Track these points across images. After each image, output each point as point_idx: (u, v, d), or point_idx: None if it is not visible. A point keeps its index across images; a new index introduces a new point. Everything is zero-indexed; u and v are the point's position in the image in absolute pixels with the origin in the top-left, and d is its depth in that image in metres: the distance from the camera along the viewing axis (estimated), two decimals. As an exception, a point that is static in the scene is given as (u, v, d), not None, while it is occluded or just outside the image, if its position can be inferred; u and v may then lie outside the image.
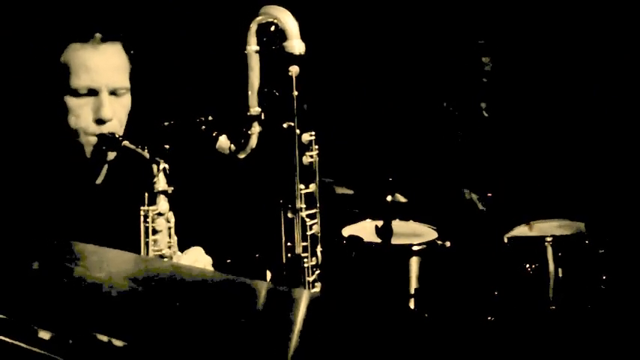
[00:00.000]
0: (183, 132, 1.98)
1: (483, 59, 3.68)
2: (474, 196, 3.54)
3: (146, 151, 1.95)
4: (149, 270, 1.55)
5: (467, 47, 3.73)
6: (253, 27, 1.87)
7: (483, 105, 3.65)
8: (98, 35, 2.03)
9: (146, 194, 1.96)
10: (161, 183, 1.95)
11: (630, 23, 3.55)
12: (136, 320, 1.28)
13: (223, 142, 1.92)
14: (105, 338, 1.19)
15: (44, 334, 1.22)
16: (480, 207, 3.53)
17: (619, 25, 3.57)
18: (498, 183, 3.54)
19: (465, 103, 3.65)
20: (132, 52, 2.10)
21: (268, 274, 2.29)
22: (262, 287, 1.46)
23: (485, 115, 3.62)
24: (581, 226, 3.29)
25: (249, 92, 1.88)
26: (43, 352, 1.21)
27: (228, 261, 2.40)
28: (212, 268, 2.07)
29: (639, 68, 3.55)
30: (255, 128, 1.88)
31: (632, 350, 2.90)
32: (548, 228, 3.32)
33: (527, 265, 3.15)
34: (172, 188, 1.96)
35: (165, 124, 2.01)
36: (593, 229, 3.23)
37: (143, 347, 1.19)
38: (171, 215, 1.98)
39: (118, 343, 1.18)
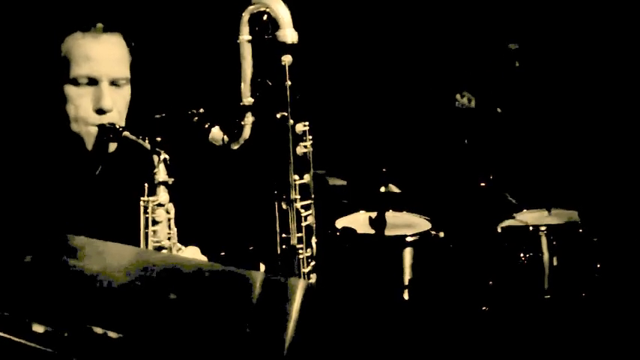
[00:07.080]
0: (175, 124, 1.96)
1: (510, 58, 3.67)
2: (465, 100, 3.51)
3: (147, 141, 1.94)
4: (144, 262, 1.54)
5: (464, 41, 3.73)
6: (245, 16, 1.85)
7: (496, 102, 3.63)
8: (100, 25, 2.01)
9: (146, 185, 1.94)
10: (161, 174, 1.94)
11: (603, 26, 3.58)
12: (132, 312, 1.27)
13: (216, 133, 1.90)
14: (100, 330, 1.17)
15: (38, 328, 1.21)
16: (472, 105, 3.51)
17: (608, 27, 3.60)
18: (493, 173, 3.54)
19: (476, 97, 3.65)
20: (132, 43, 2.08)
21: (262, 267, 2.27)
22: (258, 277, 1.45)
23: (499, 111, 3.60)
24: (575, 215, 3.29)
25: (242, 82, 1.86)
26: (37, 346, 1.20)
27: (222, 254, 2.39)
28: None
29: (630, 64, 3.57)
30: (249, 119, 1.87)
31: (626, 338, 2.91)
32: (542, 217, 3.33)
33: (522, 255, 3.15)
34: (173, 179, 1.94)
35: (157, 116, 1.99)
36: (586, 218, 3.23)
37: (139, 339, 1.18)
38: (171, 206, 1.97)
39: (113, 335, 1.17)
